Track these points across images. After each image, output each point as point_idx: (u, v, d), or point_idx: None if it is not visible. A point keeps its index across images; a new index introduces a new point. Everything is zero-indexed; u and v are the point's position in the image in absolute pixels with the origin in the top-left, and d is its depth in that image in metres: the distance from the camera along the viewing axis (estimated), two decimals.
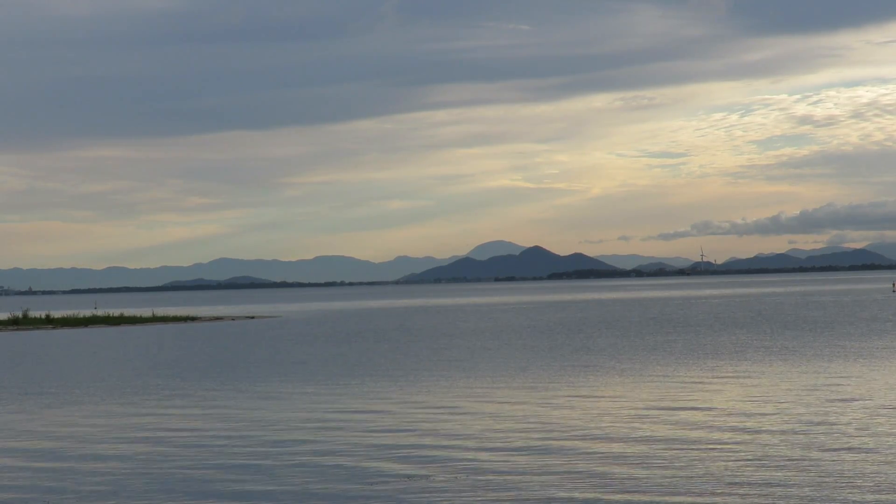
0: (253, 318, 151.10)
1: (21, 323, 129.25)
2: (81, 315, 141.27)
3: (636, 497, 23.66)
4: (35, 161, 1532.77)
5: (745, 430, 32.35)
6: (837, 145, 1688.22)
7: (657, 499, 23.44)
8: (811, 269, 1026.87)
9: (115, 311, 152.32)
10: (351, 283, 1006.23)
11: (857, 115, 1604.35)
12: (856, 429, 32.08)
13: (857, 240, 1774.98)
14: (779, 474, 25.46)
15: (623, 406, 39.06)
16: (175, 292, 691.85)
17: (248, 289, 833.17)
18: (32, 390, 52.35)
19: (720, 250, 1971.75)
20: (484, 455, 29.31)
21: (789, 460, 27.21)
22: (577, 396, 42.68)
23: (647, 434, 32.19)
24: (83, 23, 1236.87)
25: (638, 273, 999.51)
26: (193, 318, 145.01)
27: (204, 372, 60.19)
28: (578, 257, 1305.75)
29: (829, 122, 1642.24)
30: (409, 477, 26.46)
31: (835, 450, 28.50)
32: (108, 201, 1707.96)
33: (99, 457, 31.12)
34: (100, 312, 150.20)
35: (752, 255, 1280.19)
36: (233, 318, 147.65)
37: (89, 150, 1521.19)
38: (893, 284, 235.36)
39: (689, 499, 23.35)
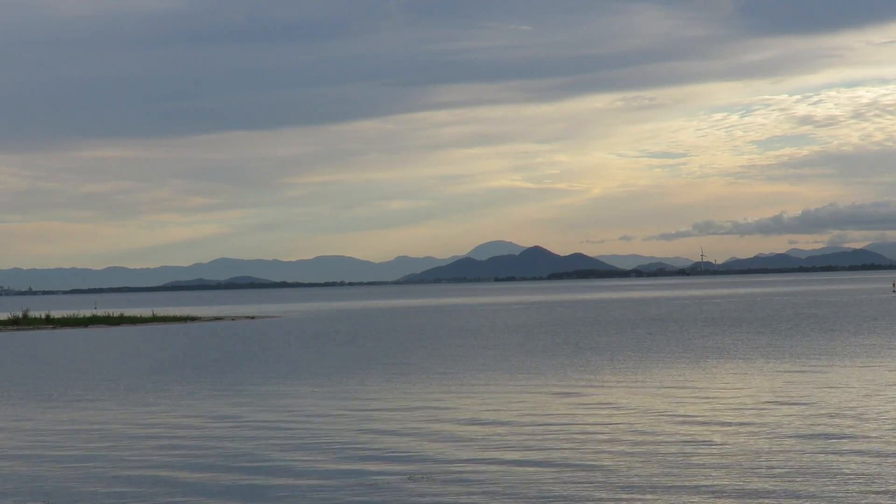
0: (253, 318, 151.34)
1: (21, 323, 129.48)
2: (81, 315, 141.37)
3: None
4: (36, 161, 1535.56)
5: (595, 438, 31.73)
6: (838, 145, 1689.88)
7: None
8: (811, 269, 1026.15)
9: (115, 312, 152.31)
10: (351, 283, 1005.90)
11: (858, 115, 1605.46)
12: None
13: (857, 240, 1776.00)
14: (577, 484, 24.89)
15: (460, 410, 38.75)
16: (175, 292, 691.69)
17: (248, 289, 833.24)
18: (31, 390, 52.68)
19: (721, 250, 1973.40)
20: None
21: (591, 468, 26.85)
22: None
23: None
24: (84, 23, 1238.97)
25: (638, 273, 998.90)
26: (193, 319, 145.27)
27: (183, 372, 60.57)
28: (578, 257, 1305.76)
29: (830, 122, 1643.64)
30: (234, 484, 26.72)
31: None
32: (109, 201, 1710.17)
33: (98, 456, 31.47)
34: (100, 312, 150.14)
35: (752, 255, 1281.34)
36: (233, 318, 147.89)
37: (90, 150, 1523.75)
38: (893, 284, 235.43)
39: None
